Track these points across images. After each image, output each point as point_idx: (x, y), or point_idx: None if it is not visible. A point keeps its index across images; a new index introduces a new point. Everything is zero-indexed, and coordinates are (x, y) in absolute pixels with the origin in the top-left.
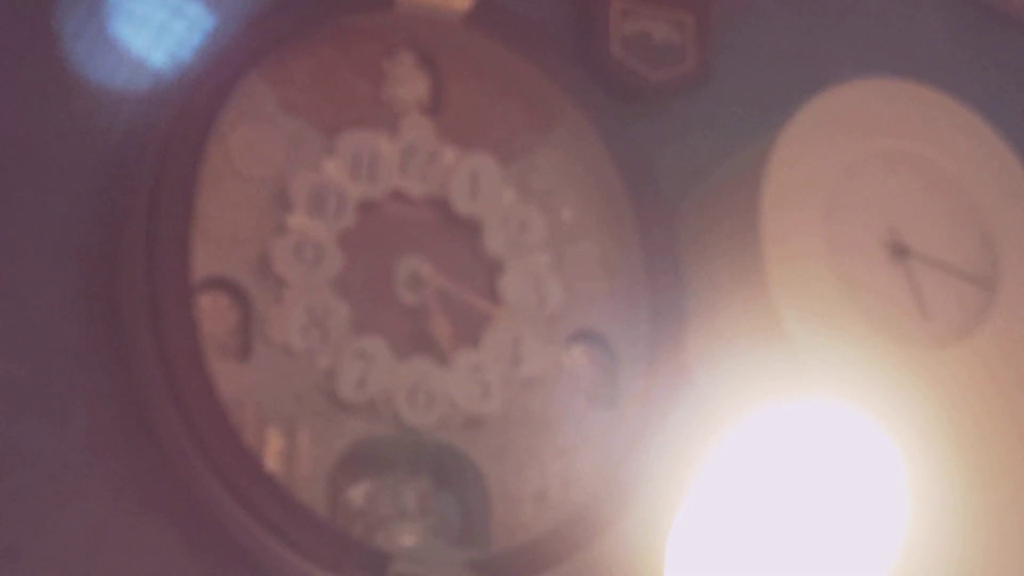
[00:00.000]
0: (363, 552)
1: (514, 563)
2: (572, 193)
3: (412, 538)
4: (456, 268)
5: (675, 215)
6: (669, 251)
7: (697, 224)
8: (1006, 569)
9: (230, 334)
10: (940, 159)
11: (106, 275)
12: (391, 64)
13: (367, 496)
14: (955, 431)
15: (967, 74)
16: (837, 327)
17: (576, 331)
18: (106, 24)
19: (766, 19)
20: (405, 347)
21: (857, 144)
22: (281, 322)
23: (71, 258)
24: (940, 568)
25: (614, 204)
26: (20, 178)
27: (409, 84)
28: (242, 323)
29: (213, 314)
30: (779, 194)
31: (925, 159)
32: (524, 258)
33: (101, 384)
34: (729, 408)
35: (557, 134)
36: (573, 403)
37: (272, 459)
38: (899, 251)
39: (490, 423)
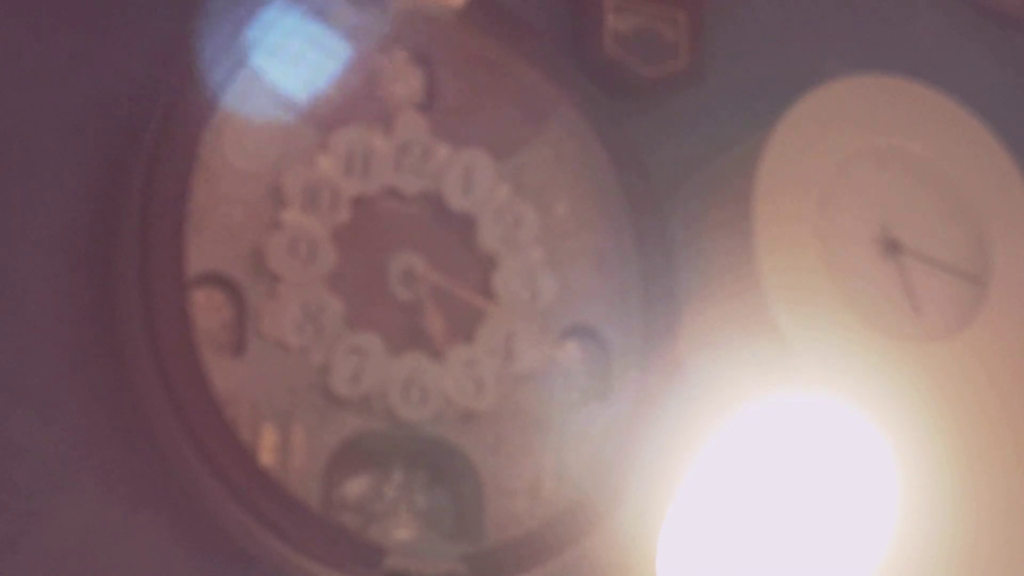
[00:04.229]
0: (357, 546)
1: (508, 557)
2: (566, 189)
3: (406, 532)
4: (450, 264)
5: (668, 211)
6: (662, 247)
7: (690, 220)
8: (997, 563)
9: (224, 329)
10: (933, 156)
11: (100, 270)
12: (385, 60)
13: (361, 491)
14: (946, 427)
15: (960, 71)
16: (829, 322)
17: (569, 326)
18: (245, 54)
19: (759, 15)
20: (399, 343)
21: (850, 140)
22: (275, 317)
23: (65, 253)
24: (931, 562)
25: (608, 200)
26: (13, 173)
27: (403, 80)
28: (236, 318)
29: (207, 309)
30: (772, 190)
31: (918, 156)
32: (518, 254)
33: (95, 379)
34: (721, 402)
35: (551, 130)
36: (566, 398)
37: (266, 454)
38: (891, 247)
39: (484, 418)
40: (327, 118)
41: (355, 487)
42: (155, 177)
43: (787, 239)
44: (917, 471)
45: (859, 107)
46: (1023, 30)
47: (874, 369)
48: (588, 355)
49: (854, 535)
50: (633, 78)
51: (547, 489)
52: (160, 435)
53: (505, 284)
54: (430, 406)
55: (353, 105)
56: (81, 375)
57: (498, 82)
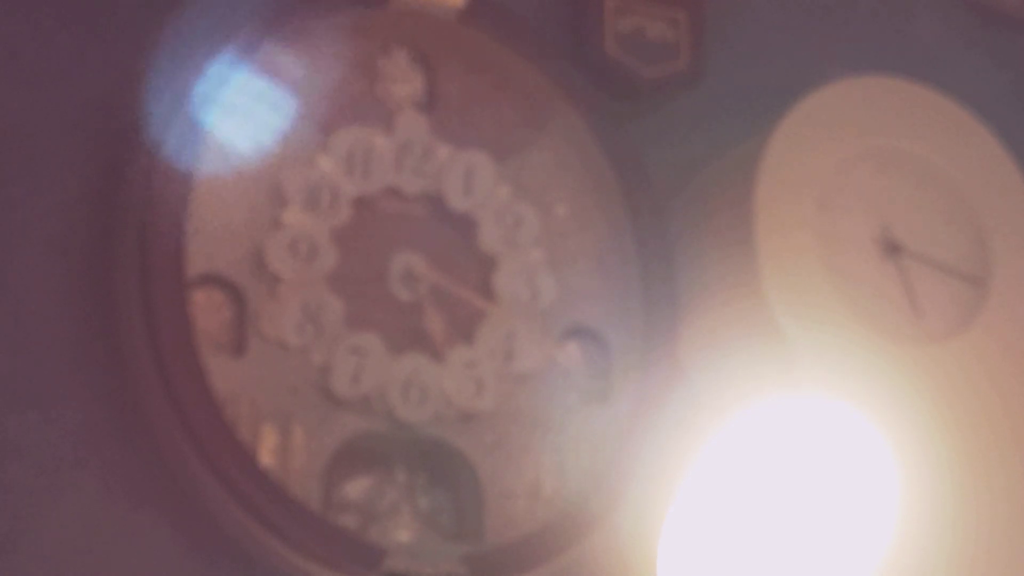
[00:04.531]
0: (357, 547)
1: (508, 558)
2: (566, 190)
3: (406, 533)
4: (450, 264)
5: (668, 212)
6: (662, 247)
7: (691, 220)
8: (997, 563)
9: (225, 330)
10: (933, 157)
11: (100, 271)
12: (386, 61)
13: (361, 491)
14: (946, 427)
15: (960, 72)
16: (829, 324)
17: (570, 327)
18: (193, 111)
19: (760, 16)
20: (399, 343)
21: (850, 141)
22: (275, 318)
23: (65, 253)
24: (931, 563)
25: (608, 201)
26: (13, 173)
27: (404, 81)
28: (237, 319)
29: (207, 310)
30: (772, 191)
31: (918, 157)
32: (518, 254)
33: (95, 379)
34: (722, 403)
35: (551, 131)
36: (566, 398)
37: (267, 455)
38: (891, 248)
39: (484, 419)
40: (328, 118)
41: (355, 488)
42: (155, 177)
43: (787, 241)
44: (917, 472)
45: (859, 108)
46: (1022, 31)
47: (874, 370)
48: (588, 356)
49: (854, 536)
50: (633, 79)
51: (547, 490)
52: (160, 435)
53: (505, 284)
54: (430, 406)
55: (354, 105)
56: (81, 375)
57: (499, 82)
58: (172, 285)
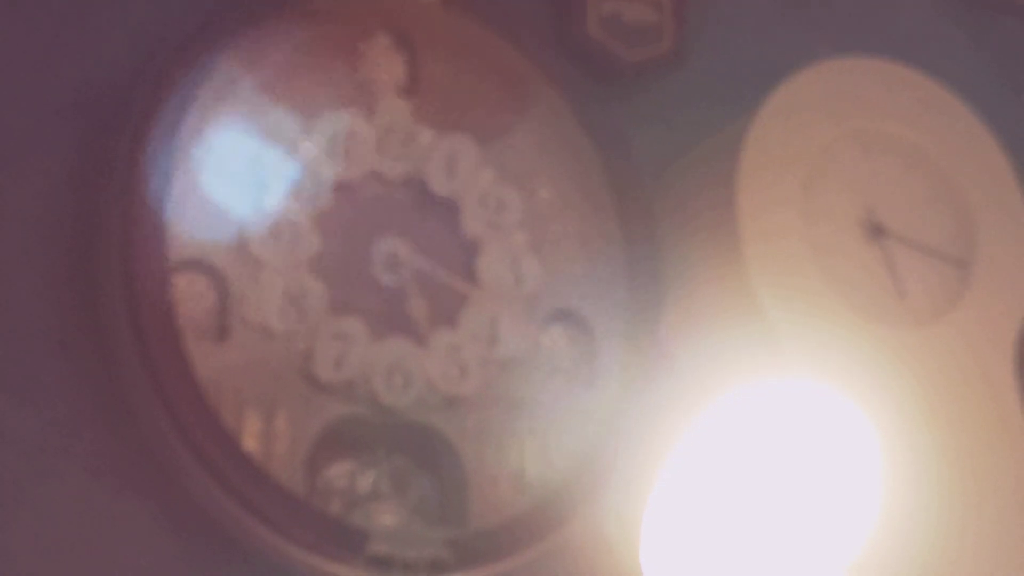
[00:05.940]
0: (340, 531)
1: (492, 542)
2: (549, 173)
3: (389, 517)
4: (433, 249)
5: (652, 195)
6: (646, 231)
7: (674, 204)
8: (980, 548)
9: (207, 315)
10: (917, 139)
11: (83, 256)
12: (368, 45)
13: (345, 476)
14: (930, 410)
15: (945, 54)
16: (814, 307)
17: (554, 311)
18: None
19: None
20: (382, 328)
21: (834, 124)
22: (258, 303)
23: (47, 239)
24: (914, 545)
25: (591, 184)
26: None
27: (386, 65)
28: (219, 304)
29: (190, 295)
30: (756, 174)
31: (902, 139)
32: (501, 238)
33: (78, 365)
34: (706, 387)
35: (534, 114)
36: (551, 383)
37: (250, 440)
38: (876, 231)
39: (467, 403)
40: (310, 103)
41: (338, 472)
42: (137, 163)
43: (771, 223)
44: (901, 454)
45: (843, 90)
46: (1006, 12)
47: (858, 352)
48: (573, 340)
49: (838, 519)
50: (617, 62)
51: (531, 475)
52: (144, 421)
53: (489, 269)
54: (413, 391)
55: (336, 90)
56: (64, 362)
57: (481, 66)
58: (155, 270)
